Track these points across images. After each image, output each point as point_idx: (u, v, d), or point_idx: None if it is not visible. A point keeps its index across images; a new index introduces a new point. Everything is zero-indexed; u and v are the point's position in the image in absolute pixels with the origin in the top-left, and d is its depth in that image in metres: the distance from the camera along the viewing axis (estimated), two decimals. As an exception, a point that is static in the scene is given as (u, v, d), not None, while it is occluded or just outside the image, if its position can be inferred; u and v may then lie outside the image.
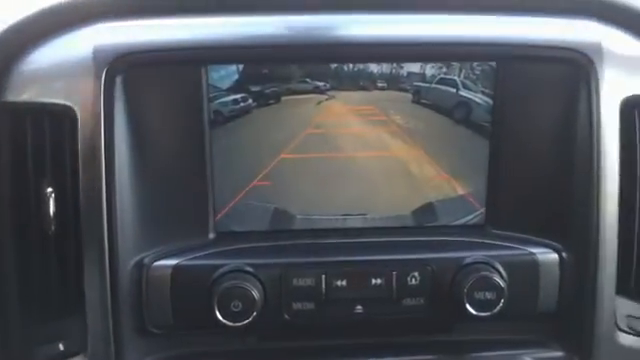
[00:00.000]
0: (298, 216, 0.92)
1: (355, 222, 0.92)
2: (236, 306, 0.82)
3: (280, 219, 0.92)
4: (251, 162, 0.90)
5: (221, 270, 0.84)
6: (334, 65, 0.88)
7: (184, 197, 0.88)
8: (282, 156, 0.90)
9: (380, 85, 0.90)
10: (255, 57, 0.86)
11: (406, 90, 0.90)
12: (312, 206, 0.92)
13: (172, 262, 0.85)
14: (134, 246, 0.85)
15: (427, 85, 0.90)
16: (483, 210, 0.93)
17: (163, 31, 0.85)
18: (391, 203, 0.92)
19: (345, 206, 0.92)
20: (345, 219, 0.92)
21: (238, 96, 0.88)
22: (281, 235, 0.91)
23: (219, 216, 0.90)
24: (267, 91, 0.89)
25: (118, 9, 0.86)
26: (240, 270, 0.85)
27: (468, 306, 0.84)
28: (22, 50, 0.86)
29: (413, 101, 0.90)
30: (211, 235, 0.90)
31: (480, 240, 0.90)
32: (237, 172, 0.90)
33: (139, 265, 0.85)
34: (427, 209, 0.93)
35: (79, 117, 0.82)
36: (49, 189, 0.84)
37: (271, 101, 0.89)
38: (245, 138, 0.89)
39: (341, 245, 0.90)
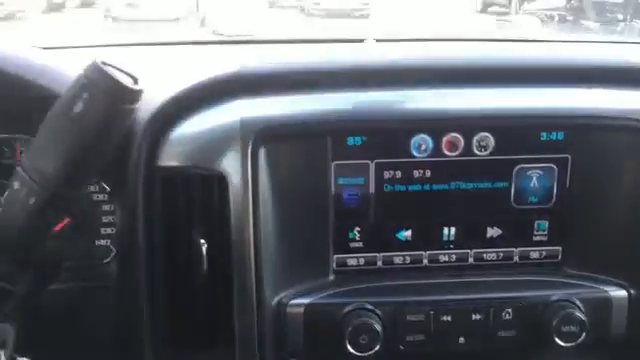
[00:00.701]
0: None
1: (454, 259, 1.04)
2: (364, 339, 0.95)
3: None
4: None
5: (348, 308, 0.98)
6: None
7: (310, 245, 1.01)
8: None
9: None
10: (387, 130, 0.99)
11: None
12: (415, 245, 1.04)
13: (304, 301, 0.98)
14: (275, 288, 0.98)
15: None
16: (560, 252, 1.06)
17: (301, 105, 0.98)
18: (483, 242, 1.05)
19: (445, 246, 1.04)
20: (446, 256, 1.05)
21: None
22: (391, 274, 1.04)
23: (337, 259, 1.03)
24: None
25: (262, 86, 0.99)
26: (363, 308, 0.98)
27: (557, 339, 0.97)
28: (176, 120, 0.99)
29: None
30: (331, 277, 1.03)
31: (561, 280, 1.03)
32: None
33: (279, 304, 0.98)
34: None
35: (229, 181, 0.94)
36: (201, 240, 0.98)
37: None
38: None
39: (445, 285, 1.02)
